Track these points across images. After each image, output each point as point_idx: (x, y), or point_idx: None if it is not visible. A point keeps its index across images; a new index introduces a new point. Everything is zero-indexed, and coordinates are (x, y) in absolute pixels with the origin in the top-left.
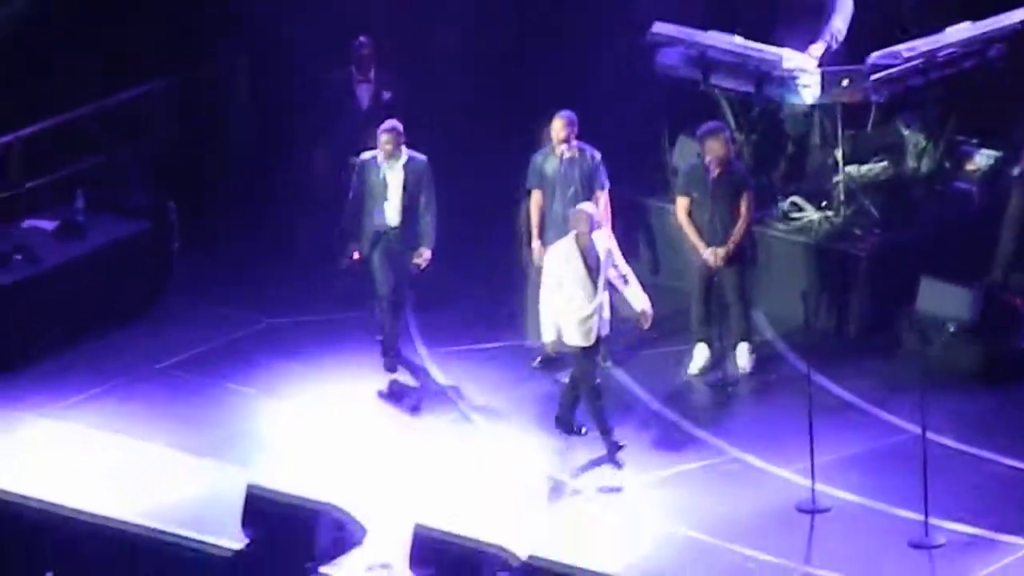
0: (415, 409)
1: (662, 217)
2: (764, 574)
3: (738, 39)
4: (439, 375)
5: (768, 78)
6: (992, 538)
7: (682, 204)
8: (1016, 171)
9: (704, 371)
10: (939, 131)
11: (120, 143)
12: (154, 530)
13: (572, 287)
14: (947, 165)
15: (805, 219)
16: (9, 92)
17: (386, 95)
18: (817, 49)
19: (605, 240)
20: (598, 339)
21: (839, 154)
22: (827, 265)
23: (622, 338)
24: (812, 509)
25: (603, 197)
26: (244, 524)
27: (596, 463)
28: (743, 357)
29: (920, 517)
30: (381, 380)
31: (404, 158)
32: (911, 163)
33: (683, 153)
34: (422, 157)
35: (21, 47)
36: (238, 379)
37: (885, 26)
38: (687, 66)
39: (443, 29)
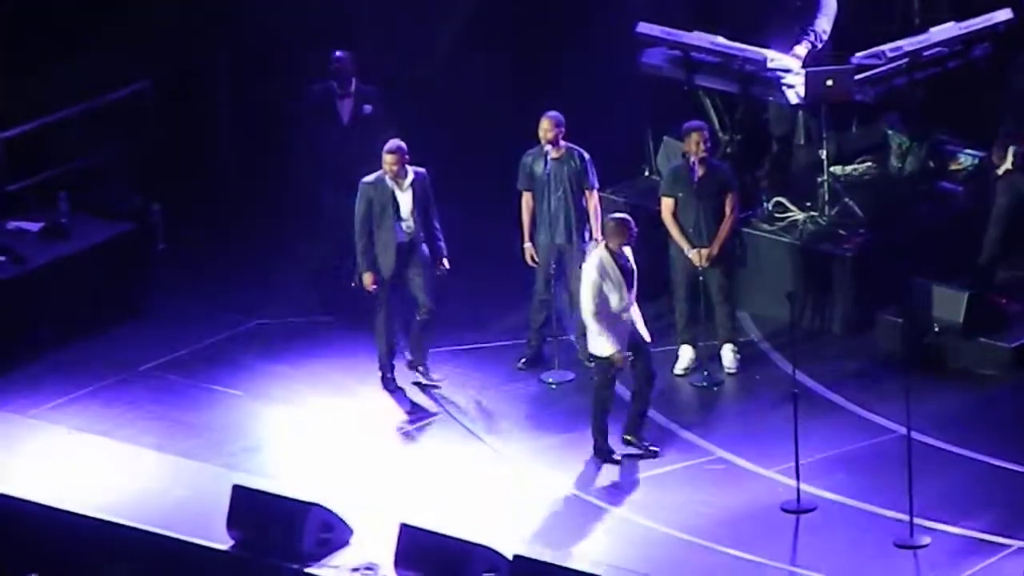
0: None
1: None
2: (750, 574)
3: (722, 39)
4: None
5: (753, 78)
6: (977, 538)
7: (667, 205)
8: (1000, 170)
9: (689, 371)
10: (923, 131)
11: (104, 145)
12: (140, 531)
13: (610, 296)
14: (931, 165)
15: (790, 219)
16: None
17: (366, 108)
18: (801, 49)
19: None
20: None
21: (824, 154)
22: (812, 265)
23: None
24: (797, 509)
25: (593, 197)
26: (230, 525)
27: (589, 464)
28: (728, 357)
29: (905, 517)
30: (367, 382)
31: (411, 176)
32: (895, 163)
33: (667, 154)
34: (423, 170)
35: (2, 48)
36: (224, 381)
37: (870, 26)
38: (671, 66)
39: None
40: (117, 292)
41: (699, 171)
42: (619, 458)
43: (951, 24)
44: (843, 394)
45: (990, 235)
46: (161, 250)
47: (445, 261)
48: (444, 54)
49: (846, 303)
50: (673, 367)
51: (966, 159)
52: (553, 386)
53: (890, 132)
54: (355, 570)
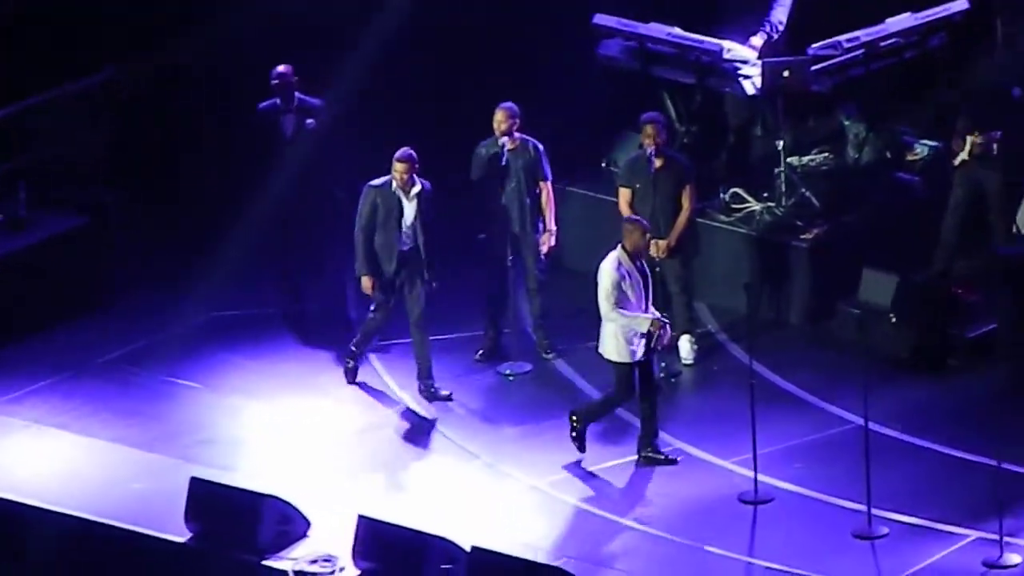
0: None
1: (602, 209)
2: (708, 565)
3: (678, 30)
4: (383, 369)
5: (709, 69)
6: (934, 528)
7: (624, 195)
8: (957, 160)
9: None
10: (880, 121)
11: (64, 137)
12: (98, 524)
13: (628, 293)
14: (888, 155)
15: (747, 210)
16: None
17: (309, 123)
18: (758, 40)
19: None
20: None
21: (780, 145)
22: (769, 256)
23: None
24: (755, 500)
25: (546, 188)
26: (188, 518)
27: (546, 456)
28: (685, 348)
29: (863, 507)
30: (325, 376)
31: (418, 187)
32: (852, 153)
33: (625, 146)
34: (428, 184)
35: None
36: (182, 373)
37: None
38: (628, 57)
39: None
40: (76, 284)
41: (656, 162)
42: (585, 450)
43: (907, 15)
44: (801, 385)
45: (947, 224)
46: (120, 243)
47: (434, 284)
48: (389, 54)
49: (803, 293)
50: None
51: (922, 149)
52: (511, 378)
53: (847, 122)
54: (313, 562)
